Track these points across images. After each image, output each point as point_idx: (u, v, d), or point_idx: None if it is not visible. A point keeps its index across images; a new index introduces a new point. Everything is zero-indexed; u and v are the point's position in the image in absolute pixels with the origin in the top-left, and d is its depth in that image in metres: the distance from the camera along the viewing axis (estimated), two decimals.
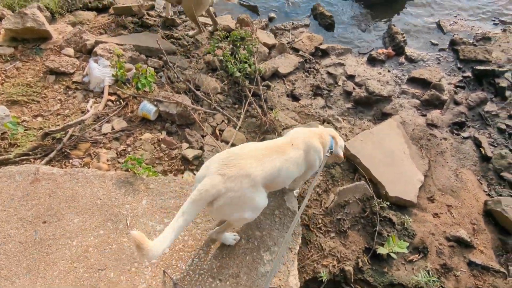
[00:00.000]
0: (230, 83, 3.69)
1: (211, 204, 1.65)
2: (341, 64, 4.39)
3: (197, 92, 3.35)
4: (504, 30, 5.08)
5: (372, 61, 4.53)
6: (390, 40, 4.79)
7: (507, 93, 4.17)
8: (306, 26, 5.11)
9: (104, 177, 2.25)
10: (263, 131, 3.30)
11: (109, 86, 3.25)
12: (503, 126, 3.83)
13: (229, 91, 3.64)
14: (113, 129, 2.97)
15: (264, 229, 2.25)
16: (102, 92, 3.20)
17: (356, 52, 4.74)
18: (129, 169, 2.37)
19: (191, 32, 4.41)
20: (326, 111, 3.82)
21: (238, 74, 3.47)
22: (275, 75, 4.09)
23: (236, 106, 3.55)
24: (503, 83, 4.24)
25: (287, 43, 4.62)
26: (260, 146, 1.90)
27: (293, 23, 5.11)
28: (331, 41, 4.85)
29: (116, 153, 2.82)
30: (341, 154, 2.34)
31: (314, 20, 5.22)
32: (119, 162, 2.72)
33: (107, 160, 2.71)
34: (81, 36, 3.70)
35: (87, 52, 3.65)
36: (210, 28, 4.51)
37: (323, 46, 4.54)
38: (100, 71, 3.23)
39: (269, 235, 2.23)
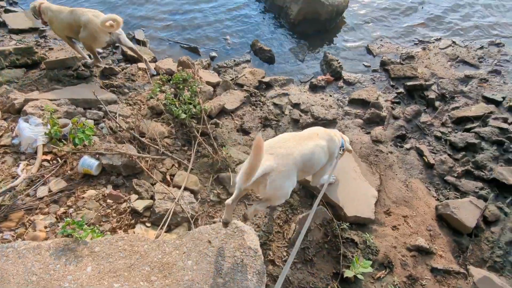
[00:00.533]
0: (177, 125, 3.70)
1: (264, 179, 2.09)
2: (286, 94, 4.63)
3: (143, 139, 3.30)
4: (424, 49, 5.79)
5: (314, 88, 4.86)
6: (328, 67, 5.21)
7: (437, 103, 4.68)
8: (248, 61, 5.39)
9: (40, 248, 2.06)
10: (216, 169, 3.31)
11: (44, 145, 3.07)
12: (439, 134, 4.24)
13: (176, 133, 3.64)
14: (50, 191, 2.77)
15: (226, 274, 2.18)
16: (36, 153, 3.02)
17: (298, 81, 5.06)
18: (71, 234, 2.20)
19: (89, 61, 4.57)
20: None
21: (183, 116, 3.50)
22: (223, 111, 4.19)
23: (186, 148, 3.54)
24: (432, 95, 4.76)
25: (231, 80, 4.80)
26: (293, 135, 2.44)
27: (234, 60, 5.36)
28: (273, 73, 5.14)
29: (56, 218, 2.62)
30: (350, 148, 3.02)
31: (254, 56, 5.52)
32: (60, 227, 2.52)
33: (45, 227, 2.50)
34: (8, 96, 3.52)
35: (16, 112, 3.47)
36: (150, 72, 4.57)
37: (266, 79, 4.79)
38: (32, 131, 3.06)
39: (232, 280, 2.16)
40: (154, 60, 5.23)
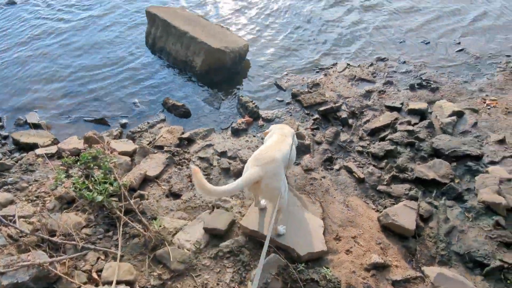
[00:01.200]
0: (95, 210, 3.36)
1: (259, 184, 2.70)
2: (210, 145, 4.63)
3: (53, 239, 2.88)
4: (326, 75, 6.47)
5: (236, 132, 4.97)
6: (244, 109, 5.42)
7: (350, 121, 5.18)
8: (163, 121, 5.31)
9: None
10: (152, 247, 3.04)
11: None
12: (360, 148, 4.65)
13: (96, 219, 3.29)
14: None
15: None
16: None
17: (219, 129, 5.13)
18: None
19: None
20: None
21: (100, 198, 3.19)
22: (146, 180, 3.97)
23: (111, 233, 3.21)
24: (344, 114, 5.26)
25: (149, 144, 4.64)
26: (272, 142, 3.10)
27: (148, 122, 5.23)
28: (192, 127, 5.12)
29: None
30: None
31: (168, 113, 5.49)
32: None
33: None
34: None
35: None
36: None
37: (185, 135, 4.75)
38: None
39: None
40: (55, 142, 4.80)
